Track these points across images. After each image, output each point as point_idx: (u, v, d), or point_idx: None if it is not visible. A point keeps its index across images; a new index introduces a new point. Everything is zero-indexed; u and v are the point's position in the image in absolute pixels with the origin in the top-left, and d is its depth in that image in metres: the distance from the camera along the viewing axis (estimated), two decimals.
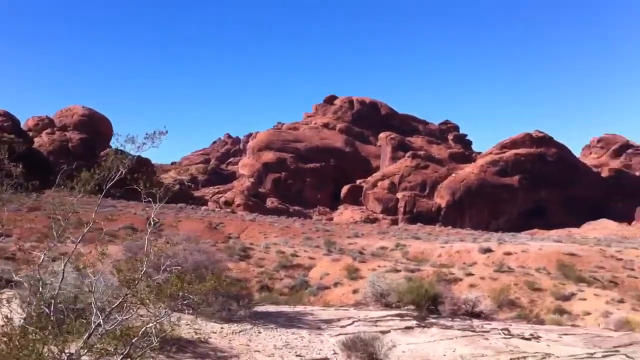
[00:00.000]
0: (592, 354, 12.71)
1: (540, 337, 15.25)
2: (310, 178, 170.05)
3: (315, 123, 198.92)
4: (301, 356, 10.71)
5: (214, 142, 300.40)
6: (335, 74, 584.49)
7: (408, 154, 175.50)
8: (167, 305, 7.25)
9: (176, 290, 7.09)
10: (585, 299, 37.83)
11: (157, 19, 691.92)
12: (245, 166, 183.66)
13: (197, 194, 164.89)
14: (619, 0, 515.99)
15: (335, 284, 35.51)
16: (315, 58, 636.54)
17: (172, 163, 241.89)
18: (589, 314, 35.02)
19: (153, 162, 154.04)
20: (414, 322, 15.19)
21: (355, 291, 32.44)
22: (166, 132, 8.24)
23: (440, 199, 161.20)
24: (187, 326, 10.41)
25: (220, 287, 8.63)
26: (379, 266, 39.92)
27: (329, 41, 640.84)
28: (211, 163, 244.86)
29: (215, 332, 12.20)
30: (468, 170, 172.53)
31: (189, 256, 15.31)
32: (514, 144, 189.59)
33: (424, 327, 14.86)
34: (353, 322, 14.80)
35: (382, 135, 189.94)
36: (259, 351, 10.99)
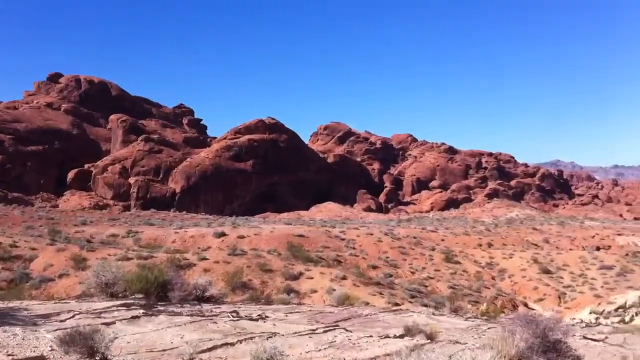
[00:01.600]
0: (314, 330, 13.07)
1: (268, 317, 15.40)
2: (31, 162, 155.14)
3: (38, 102, 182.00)
4: (13, 355, 8.84)
5: None
6: (60, 50, 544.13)
7: (141, 137, 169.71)
8: None
9: None
10: (312, 278, 39.64)
11: None
12: None
13: None
14: None
15: (61, 276, 33.05)
16: (35, 31, 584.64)
17: None
18: (315, 291, 36.68)
19: None
20: (140, 311, 14.13)
21: (82, 282, 30.00)
22: None
23: (175, 184, 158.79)
24: None
25: None
26: (109, 255, 37.82)
27: (48, 13, 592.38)
28: None
29: None
30: (203, 155, 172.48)
31: None
32: (248, 129, 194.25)
33: (151, 315, 13.76)
34: (74, 315, 13.15)
35: (112, 117, 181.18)
36: None
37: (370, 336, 12.81)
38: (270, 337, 11.76)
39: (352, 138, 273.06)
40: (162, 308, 15.18)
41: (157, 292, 16.64)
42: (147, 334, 11.52)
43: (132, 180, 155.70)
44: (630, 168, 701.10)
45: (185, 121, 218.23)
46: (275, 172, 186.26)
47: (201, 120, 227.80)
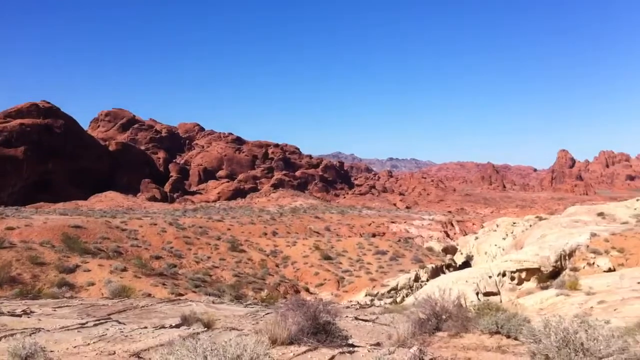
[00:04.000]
0: (84, 324, 12.68)
1: (34, 312, 14.84)
2: None
3: None
4: None
5: None
6: None
7: None
8: None
9: None
10: (89, 270, 37.56)
11: None
12: None
13: None
14: None
15: None
16: None
17: None
18: (93, 284, 34.74)
19: None
20: None
21: None
22: None
23: None
24: None
25: None
26: None
27: None
28: None
29: None
30: None
31: None
32: (19, 113, 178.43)
33: None
34: None
35: None
36: None
37: (145, 327, 12.64)
38: (34, 332, 11.28)
39: (136, 125, 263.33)
40: None
41: None
42: None
43: None
44: (403, 160, 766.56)
45: None
46: (50, 160, 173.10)
47: None
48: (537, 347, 8.42)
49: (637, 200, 76.44)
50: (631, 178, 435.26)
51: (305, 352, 9.33)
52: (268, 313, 17.60)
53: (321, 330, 10.37)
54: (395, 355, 8.45)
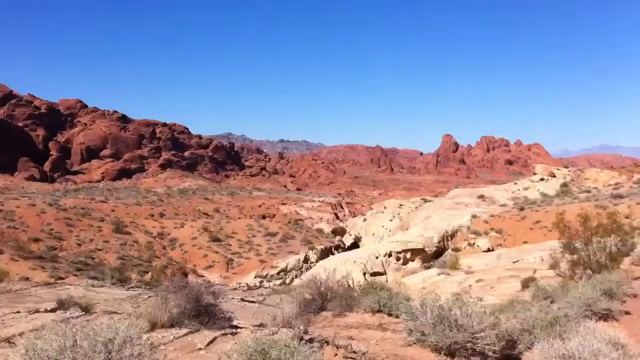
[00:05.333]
0: None
1: None
2: None
3: None
4: None
5: None
6: None
7: None
8: None
9: None
10: None
11: None
12: None
13: None
14: None
15: None
16: None
17: None
18: None
19: None
20: None
21: None
22: None
23: None
24: None
25: None
26: None
27: None
28: None
29: None
30: None
31: None
32: None
33: None
34: None
35: None
36: None
37: (18, 312, 12.14)
38: None
39: (13, 101, 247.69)
40: None
41: None
42: None
43: None
44: (295, 142, 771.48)
45: None
46: None
47: None
48: (413, 324, 8.65)
49: (515, 183, 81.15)
50: (510, 162, 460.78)
51: (186, 334, 9.13)
52: (151, 296, 17.14)
53: (204, 312, 10.29)
54: (278, 336, 8.40)
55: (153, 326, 9.32)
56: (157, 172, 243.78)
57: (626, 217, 42.43)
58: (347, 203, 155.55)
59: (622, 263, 18.04)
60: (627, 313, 12.13)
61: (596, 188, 75.49)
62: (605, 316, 11.62)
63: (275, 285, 44.49)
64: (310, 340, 7.76)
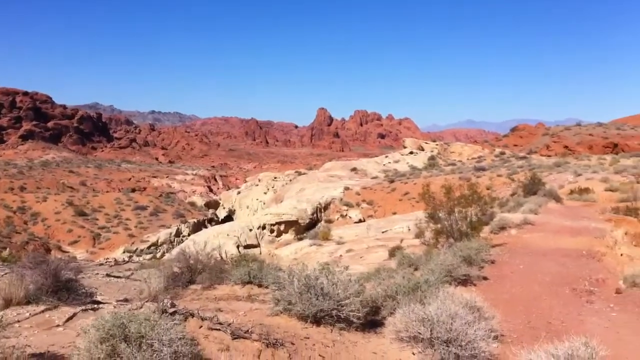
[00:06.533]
0: None
1: None
2: None
3: None
4: None
5: None
6: None
7: None
8: None
9: None
10: None
11: None
12: None
13: None
14: None
15: None
16: None
17: None
18: None
19: None
20: None
21: None
22: None
23: None
24: None
25: None
26: None
27: None
28: None
29: None
30: None
31: None
32: None
33: None
34: None
35: None
36: None
37: None
38: None
39: None
40: None
41: None
42: None
43: None
44: (167, 114, 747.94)
45: None
46: None
47: None
48: (280, 293, 8.70)
49: (386, 157, 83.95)
50: (382, 136, 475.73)
51: (43, 311, 8.64)
52: (7, 273, 16.05)
53: (63, 288, 9.79)
54: (142, 310, 8.13)
55: (7, 303, 8.80)
56: (17, 143, 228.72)
57: (487, 189, 45.34)
58: (221, 176, 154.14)
59: (482, 232, 19.14)
60: (484, 278, 12.91)
61: (461, 161, 79.89)
62: (465, 281, 12.30)
63: (145, 259, 43.39)
64: (174, 313, 7.58)
